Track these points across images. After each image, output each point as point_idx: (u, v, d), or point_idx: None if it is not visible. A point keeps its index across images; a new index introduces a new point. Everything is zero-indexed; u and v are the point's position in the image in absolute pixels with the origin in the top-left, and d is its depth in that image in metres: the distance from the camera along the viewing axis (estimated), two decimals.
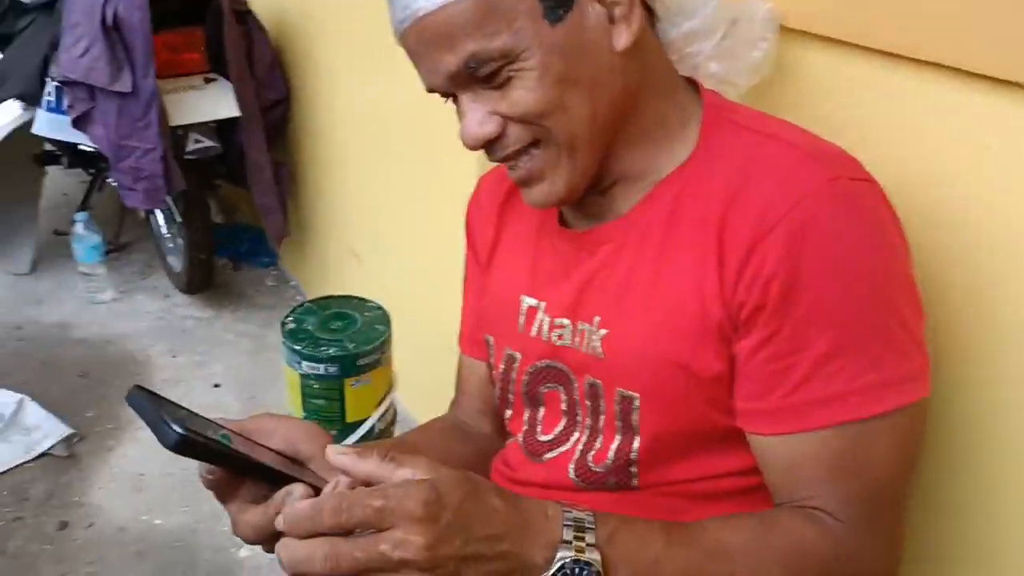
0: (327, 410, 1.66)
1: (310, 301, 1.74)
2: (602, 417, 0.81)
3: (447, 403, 1.05)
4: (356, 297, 1.86)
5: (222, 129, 2.66)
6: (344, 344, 1.71)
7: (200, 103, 2.57)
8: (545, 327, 0.85)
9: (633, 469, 0.79)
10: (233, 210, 3.66)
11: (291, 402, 1.71)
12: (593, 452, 0.82)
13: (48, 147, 3.10)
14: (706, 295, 0.72)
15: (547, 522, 0.62)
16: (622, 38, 0.73)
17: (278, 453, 0.71)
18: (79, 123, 2.52)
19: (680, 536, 0.67)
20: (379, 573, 0.57)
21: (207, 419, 0.66)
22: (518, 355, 0.89)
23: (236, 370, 2.77)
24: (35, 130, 2.68)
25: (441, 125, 1.93)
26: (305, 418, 1.69)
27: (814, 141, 0.76)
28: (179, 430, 0.59)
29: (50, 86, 2.61)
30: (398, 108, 2.13)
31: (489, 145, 0.75)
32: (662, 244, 0.76)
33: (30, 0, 2.83)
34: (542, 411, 0.88)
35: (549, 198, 0.78)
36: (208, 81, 2.60)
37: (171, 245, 3.11)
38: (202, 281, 2.96)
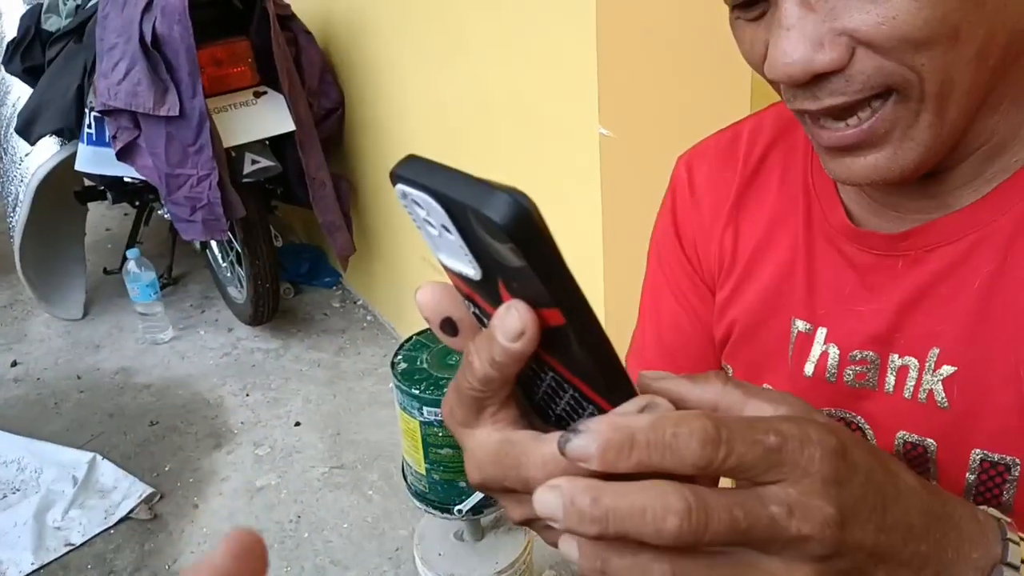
0: (454, 460, 1.42)
1: (417, 334, 1.51)
2: None
3: None
4: None
5: (276, 146, 2.45)
6: None
7: (253, 120, 2.35)
8: (832, 363, 0.63)
9: None
10: (287, 230, 3.46)
11: (408, 452, 1.49)
12: None
13: (88, 183, 2.91)
14: None
15: (979, 528, 0.40)
16: None
17: None
18: (124, 155, 2.31)
19: None
20: (753, 548, 0.33)
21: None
22: None
23: (316, 404, 2.56)
24: (78, 167, 2.48)
25: (516, 119, 1.73)
26: (428, 471, 1.46)
27: None
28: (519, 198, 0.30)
29: (89, 117, 2.41)
30: (467, 104, 1.90)
31: (818, 80, 0.48)
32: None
33: (56, 27, 2.63)
34: None
35: (887, 171, 0.52)
36: (258, 95, 2.38)
37: (229, 275, 2.91)
38: (268, 311, 2.75)
